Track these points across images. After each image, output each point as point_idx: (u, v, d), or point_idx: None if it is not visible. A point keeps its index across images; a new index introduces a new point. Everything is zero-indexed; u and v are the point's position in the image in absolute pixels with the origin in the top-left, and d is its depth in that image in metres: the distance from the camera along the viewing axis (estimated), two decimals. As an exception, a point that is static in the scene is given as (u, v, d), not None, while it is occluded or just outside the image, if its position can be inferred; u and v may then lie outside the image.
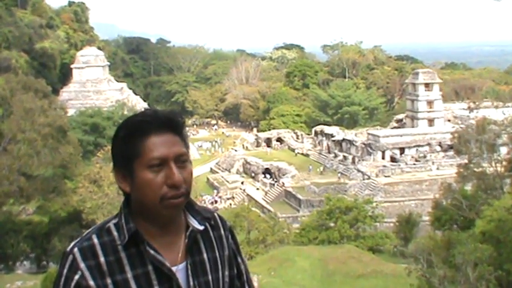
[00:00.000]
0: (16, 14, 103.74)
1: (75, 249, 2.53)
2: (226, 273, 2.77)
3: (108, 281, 2.49)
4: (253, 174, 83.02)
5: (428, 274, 30.52)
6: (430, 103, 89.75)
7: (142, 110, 2.75)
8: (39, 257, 48.00)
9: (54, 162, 46.79)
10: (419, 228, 52.20)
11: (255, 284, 35.51)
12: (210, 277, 2.68)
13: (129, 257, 2.53)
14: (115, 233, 2.56)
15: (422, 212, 58.26)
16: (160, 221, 2.60)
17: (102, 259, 2.50)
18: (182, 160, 2.57)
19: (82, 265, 2.49)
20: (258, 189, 78.06)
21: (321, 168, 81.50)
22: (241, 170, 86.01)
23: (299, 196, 69.10)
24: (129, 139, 2.55)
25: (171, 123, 2.59)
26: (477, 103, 70.84)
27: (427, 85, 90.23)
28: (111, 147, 2.63)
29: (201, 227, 2.70)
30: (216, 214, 2.86)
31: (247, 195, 76.02)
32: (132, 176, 2.55)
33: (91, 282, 2.47)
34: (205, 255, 2.71)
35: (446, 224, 45.54)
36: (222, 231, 2.83)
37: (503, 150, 51.91)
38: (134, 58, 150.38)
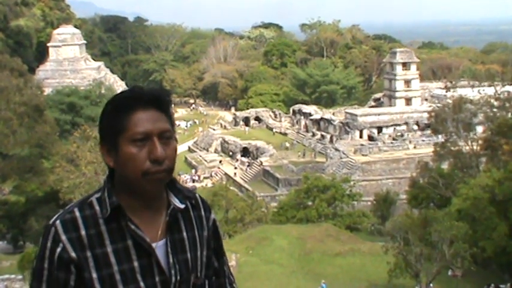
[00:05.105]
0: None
1: (57, 222, 2.56)
2: (205, 252, 2.80)
3: (88, 253, 2.52)
4: (231, 153, 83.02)
5: (405, 252, 30.88)
6: (407, 82, 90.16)
7: (126, 88, 2.75)
8: (16, 237, 47.77)
9: (30, 142, 46.46)
10: (396, 207, 52.66)
11: (233, 262, 35.68)
12: (188, 255, 2.71)
13: (109, 231, 2.56)
14: (97, 207, 2.60)
15: (400, 190, 58.80)
16: (143, 196, 2.63)
17: (83, 232, 2.54)
18: (166, 136, 2.59)
19: (63, 237, 2.52)
20: (236, 168, 78.10)
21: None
22: (219, 149, 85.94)
23: (277, 175, 69.27)
24: (115, 114, 2.58)
25: (158, 100, 2.62)
26: (454, 82, 71.42)
27: (404, 64, 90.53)
28: (99, 122, 2.66)
29: (182, 206, 2.72)
30: (197, 195, 2.88)
31: (225, 174, 76.10)
32: (116, 150, 2.58)
33: (72, 254, 2.51)
34: (184, 234, 2.73)
35: (423, 202, 46.01)
36: (203, 212, 2.86)
37: (479, 129, 52.46)
38: (111, 37, 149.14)
